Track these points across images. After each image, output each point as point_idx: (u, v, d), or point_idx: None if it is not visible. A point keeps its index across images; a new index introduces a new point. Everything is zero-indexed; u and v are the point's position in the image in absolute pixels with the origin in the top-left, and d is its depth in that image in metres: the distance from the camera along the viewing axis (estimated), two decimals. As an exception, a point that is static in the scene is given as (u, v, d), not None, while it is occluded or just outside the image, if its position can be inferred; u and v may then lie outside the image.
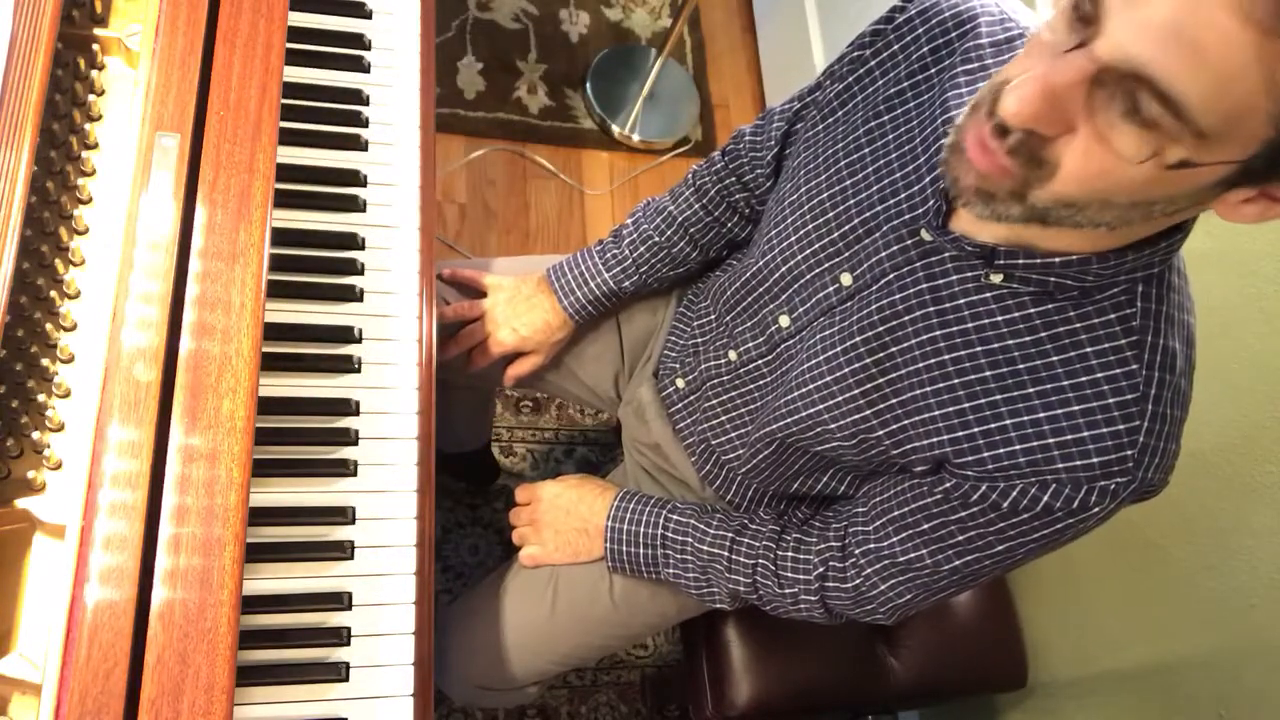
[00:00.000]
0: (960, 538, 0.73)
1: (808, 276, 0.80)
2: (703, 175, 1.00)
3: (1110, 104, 0.48)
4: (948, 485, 0.72)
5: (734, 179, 0.98)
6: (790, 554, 0.89)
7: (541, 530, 1.02)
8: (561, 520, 1.01)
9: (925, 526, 0.75)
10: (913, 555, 0.78)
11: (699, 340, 0.98)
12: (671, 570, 0.95)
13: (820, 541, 0.87)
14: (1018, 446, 0.66)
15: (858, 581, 0.84)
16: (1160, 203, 0.53)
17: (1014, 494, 0.67)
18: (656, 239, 1.01)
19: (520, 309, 1.04)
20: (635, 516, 0.96)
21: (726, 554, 0.91)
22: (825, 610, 0.88)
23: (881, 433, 0.75)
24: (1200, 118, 0.45)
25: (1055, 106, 0.50)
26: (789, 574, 0.88)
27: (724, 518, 0.93)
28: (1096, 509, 0.66)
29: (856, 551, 0.83)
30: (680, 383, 1.00)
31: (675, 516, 0.95)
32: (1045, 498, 0.66)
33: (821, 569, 0.86)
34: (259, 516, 0.74)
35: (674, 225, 1.01)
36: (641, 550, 0.96)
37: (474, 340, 1.05)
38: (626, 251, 1.02)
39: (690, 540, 0.93)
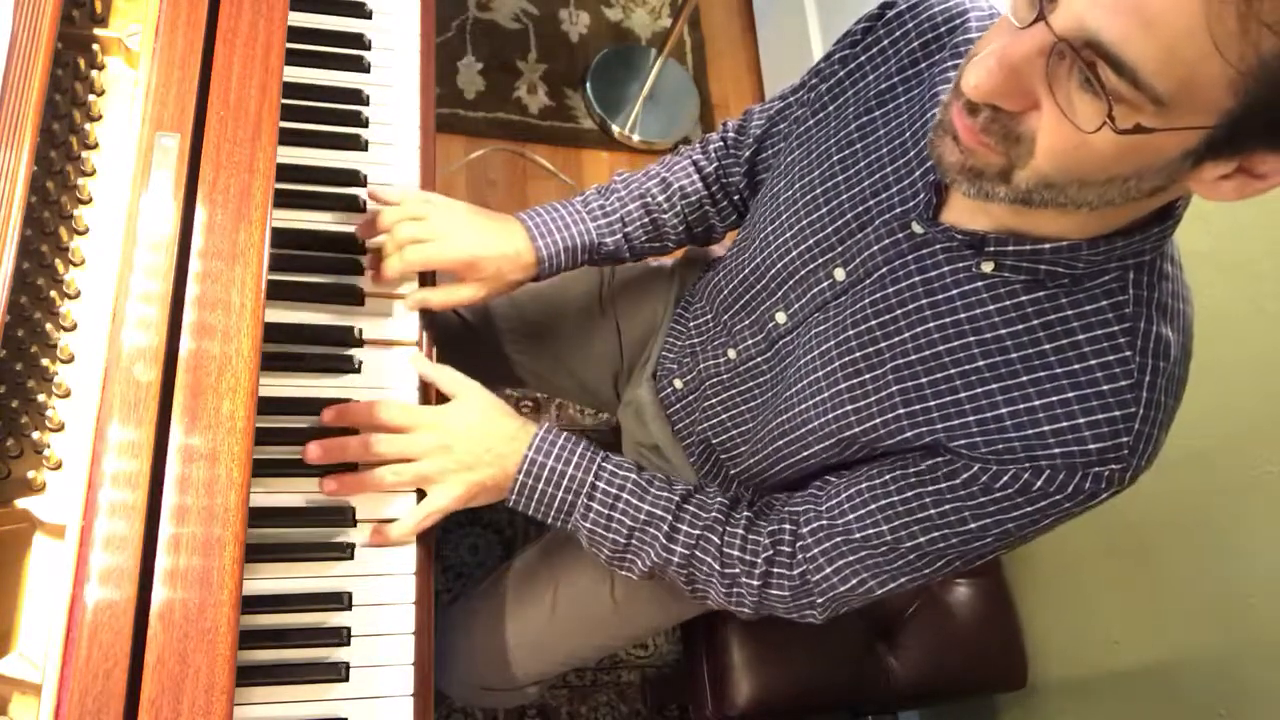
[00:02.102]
0: (932, 510, 0.71)
1: (802, 272, 0.81)
2: (697, 154, 1.00)
3: (1070, 76, 0.49)
4: (936, 460, 0.71)
5: (732, 158, 0.98)
6: (741, 531, 0.82)
7: (448, 470, 0.79)
8: (480, 454, 0.80)
9: (896, 499, 0.73)
10: (871, 531, 0.75)
11: (696, 341, 0.98)
12: (588, 524, 0.82)
13: (774, 522, 0.83)
14: (1013, 434, 0.66)
15: (804, 567, 0.80)
16: (1133, 177, 0.53)
17: (1005, 477, 0.67)
18: (649, 201, 0.96)
19: (479, 227, 0.88)
20: (564, 455, 0.81)
21: (669, 518, 0.82)
22: (758, 600, 0.82)
23: (858, 430, 0.75)
24: (1155, 83, 0.46)
25: (1014, 80, 0.51)
26: (735, 552, 0.82)
27: (663, 480, 0.85)
28: (1084, 495, 0.65)
29: (804, 530, 0.79)
30: (678, 383, 1.00)
31: (610, 466, 0.83)
32: (1039, 483, 0.65)
33: (770, 552, 0.81)
34: (259, 516, 0.74)
35: (669, 190, 0.97)
36: (561, 494, 0.81)
37: (395, 240, 0.84)
38: (615, 205, 0.95)
39: (626, 496, 0.82)
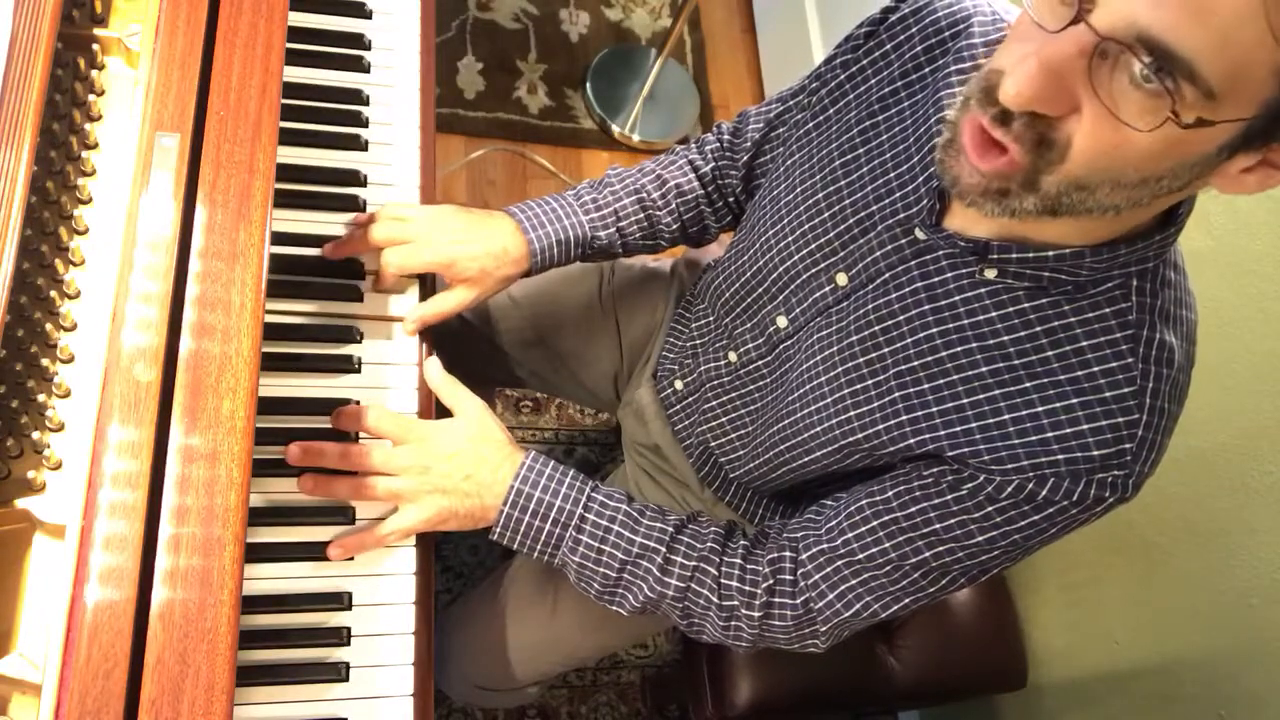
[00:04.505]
0: (937, 525, 0.70)
1: (804, 277, 0.80)
2: (692, 153, 0.99)
3: (1114, 74, 0.49)
4: (939, 470, 0.70)
5: (728, 160, 0.98)
6: (739, 560, 0.80)
7: (420, 491, 0.78)
8: (458, 481, 0.78)
9: (899, 514, 0.72)
10: (874, 549, 0.73)
11: (697, 342, 0.98)
12: (576, 558, 0.80)
13: (772, 550, 0.80)
14: (1016, 441, 0.66)
15: (807, 595, 0.77)
16: (1167, 176, 0.53)
17: (1009, 488, 0.66)
18: (644, 197, 0.95)
19: (459, 228, 0.86)
20: (552, 485, 0.79)
21: (663, 550, 0.79)
22: (758, 633, 0.80)
23: (860, 436, 0.74)
24: (1207, 74, 0.46)
25: (1057, 83, 0.50)
26: (734, 583, 0.79)
27: (655, 510, 0.82)
28: (1089, 502, 0.65)
29: (804, 557, 0.78)
30: (679, 384, 1.00)
31: (600, 497, 0.80)
32: (1043, 491, 0.65)
33: (770, 581, 0.78)
34: (259, 516, 0.74)
35: (665, 188, 0.97)
36: (548, 527, 0.79)
37: (376, 241, 0.83)
38: (609, 198, 0.94)
39: (616, 528, 0.79)
